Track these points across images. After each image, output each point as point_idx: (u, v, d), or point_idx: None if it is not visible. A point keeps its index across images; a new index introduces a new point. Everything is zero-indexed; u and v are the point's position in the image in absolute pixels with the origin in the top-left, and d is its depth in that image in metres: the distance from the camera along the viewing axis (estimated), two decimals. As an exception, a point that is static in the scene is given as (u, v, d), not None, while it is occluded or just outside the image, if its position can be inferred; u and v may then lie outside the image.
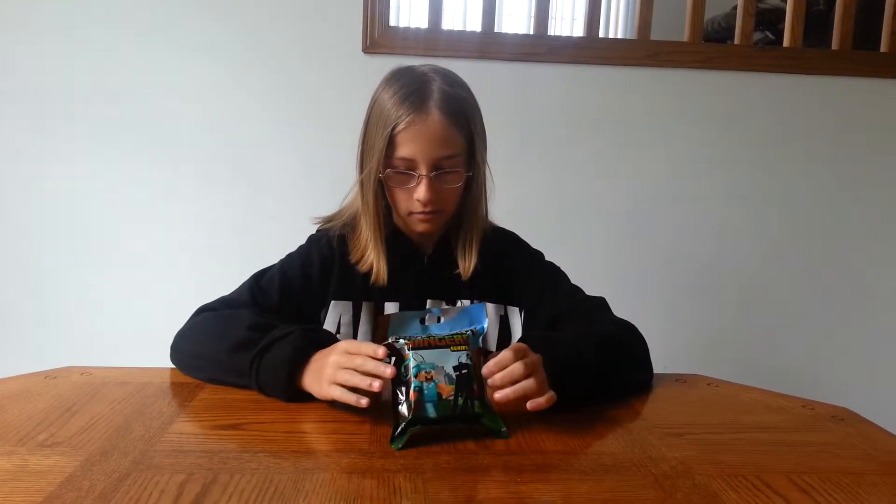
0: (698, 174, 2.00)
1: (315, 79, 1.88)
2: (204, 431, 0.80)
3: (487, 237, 1.11)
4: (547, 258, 1.18)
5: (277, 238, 1.83)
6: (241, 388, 0.92)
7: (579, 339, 0.93)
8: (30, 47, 1.83)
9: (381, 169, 1.03)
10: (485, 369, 0.80)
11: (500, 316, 1.14)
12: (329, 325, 1.10)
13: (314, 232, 1.17)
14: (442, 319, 0.88)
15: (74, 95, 1.85)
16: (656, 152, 1.99)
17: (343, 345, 0.85)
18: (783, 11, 2.06)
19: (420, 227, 1.07)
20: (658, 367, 1.06)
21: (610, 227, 1.99)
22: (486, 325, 0.86)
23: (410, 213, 1.06)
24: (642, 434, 0.82)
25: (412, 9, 3.36)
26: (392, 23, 1.89)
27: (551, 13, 2.01)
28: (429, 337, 0.81)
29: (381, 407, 0.86)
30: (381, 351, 0.81)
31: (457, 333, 0.82)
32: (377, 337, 0.86)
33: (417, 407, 0.77)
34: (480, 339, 0.85)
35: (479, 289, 1.11)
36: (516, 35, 1.95)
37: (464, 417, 0.79)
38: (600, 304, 1.10)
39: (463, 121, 1.04)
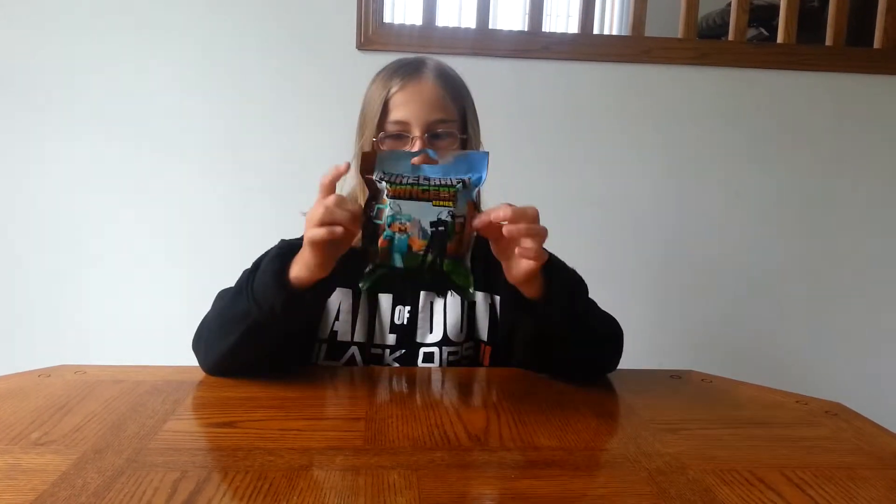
0: (693, 170, 2.01)
1: (309, 76, 1.88)
2: (198, 429, 0.80)
3: None
4: None
5: (272, 235, 1.83)
6: (253, 335, 0.91)
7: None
8: (25, 45, 1.82)
9: (376, 134, 1.04)
10: (500, 210, 0.79)
11: (489, 304, 1.12)
12: (329, 311, 1.09)
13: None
14: (438, 162, 0.84)
15: (68, 93, 1.84)
16: (651, 149, 1.99)
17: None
18: (777, 8, 2.06)
19: None
20: (653, 362, 1.06)
21: (605, 223, 2.00)
22: (484, 176, 0.81)
23: None
24: (636, 429, 0.82)
25: (407, 5, 3.36)
26: (386, 19, 1.89)
27: (546, 10, 2.01)
28: (414, 185, 0.77)
29: (372, 405, 0.86)
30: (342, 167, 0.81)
31: (445, 186, 0.78)
32: (361, 169, 0.82)
33: (384, 255, 0.77)
34: (476, 191, 0.81)
35: (479, 283, 1.11)
36: (511, 32, 1.95)
37: (431, 273, 0.77)
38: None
39: (456, 92, 1.06)
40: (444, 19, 2.02)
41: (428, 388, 0.98)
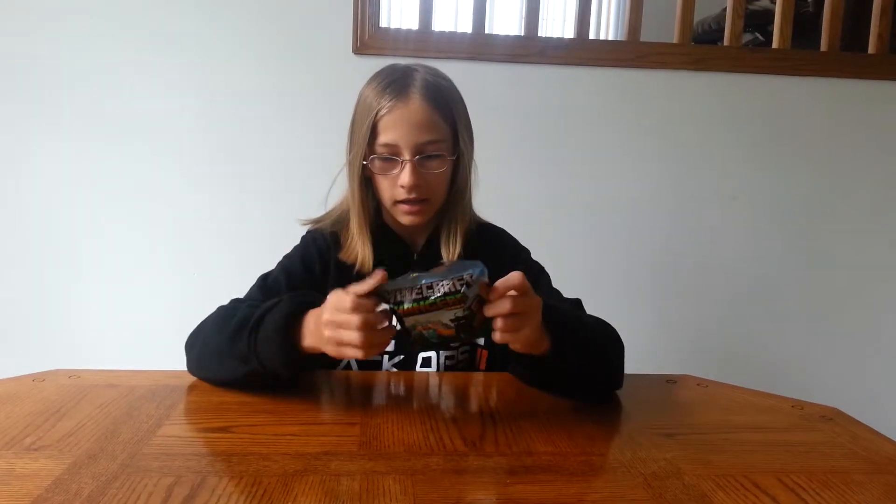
0: (689, 175, 2.01)
1: (305, 80, 1.88)
2: (192, 434, 0.80)
3: (472, 230, 1.11)
4: (536, 258, 1.18)
5: (268, 239, 1.84)
6: (252, 379, 0.90)
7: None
8: (23, 47, 1.82)
9: (366, 156, 1.03)
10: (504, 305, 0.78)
11: None
12: None
13: (305, 233, 1.17)
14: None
15: (67, 96, 1.84)
16: (647, 153, 1.99)
17: (332, 300, 0.82)
18: (772, 13, 2.07)
19: (406, 219, 1.06)
20: (648, 367, 1.06)
21: (601, 227, 2.00)
22: (483, 268, 0.79)
23: (395, 203, 1.05)
24: (632, 435, 0.82)
25: (403, 10, 3.36)
26: (383, 24, 1.89)
27: (542, 14, 2.01)
28: (420, 301, 0.78)
29: (367, 409, 0.86)
30: (356, 300, 0.79)
31: (451, 294, 0.77)
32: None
33: (419, 340, 0.81)
34: (483, 274, 0.79)
35: None
36: (507, 36, 1.95)
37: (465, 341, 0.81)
38: (575, 303, 1.09)
39: (445, 108, 1.04)
40: (441, 24, 2.01)
41: (423, 393, 0.98)
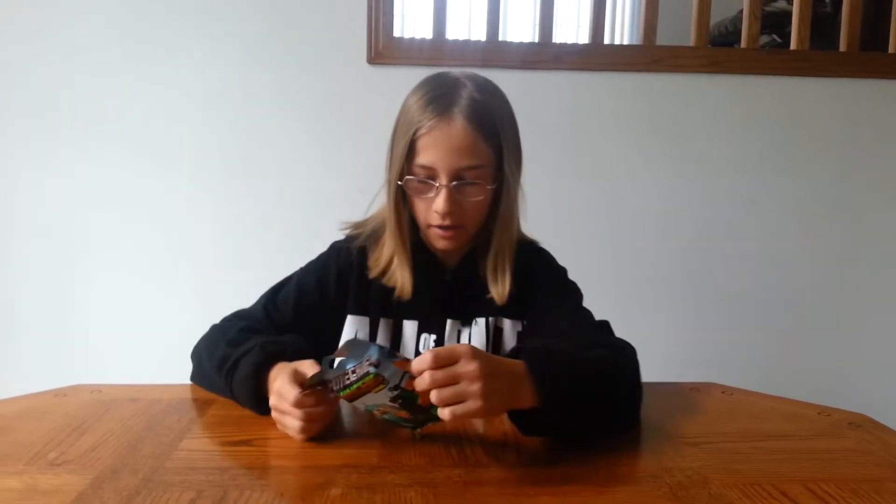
0: (708, 179, 1.99)
1: (320, 89, 1.88)
2: (214, 448, 0.80)
3: (517, 254, 1.06)
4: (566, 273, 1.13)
5: (281, 248, 1.86)
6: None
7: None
8: (31, 51, 1.84)
9: (402, 175, 0.98)
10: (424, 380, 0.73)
11: (518, 332, 1.08)
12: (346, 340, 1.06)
13: (338, 239, 1.12)
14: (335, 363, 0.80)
15: (72, 108, 1.86)
16: (665, 158, 1.98)
17: (276, 387, 0.82)
18: (789, 14, 2.05)
19: (439, 244, 1.02)
20: (670, 374, 1.05)
21: (619, 234, 1.98)
22: (377, 347, 0.76)
23: (429, 227, 1.01)
24: (657, 444, 0.81)
25: (417, 19, 3.37)
26: (396, 33, 1.89)
27: (556, 20, 2.01)
28: (347, 388, 0.75)
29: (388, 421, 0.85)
30: (297, 398, 0.78)
31: (364, 377, 0.74)
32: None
33: (391, 423, 0.81)
34: (383, 354, 0.75)
35: (504, 307, 1.05)
36: (521, 43, 1.95)
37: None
38: (601, 326, 1.03)
39: (491, 131, 0.97)
40: (454, 32, 2.02)
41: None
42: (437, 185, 0.96)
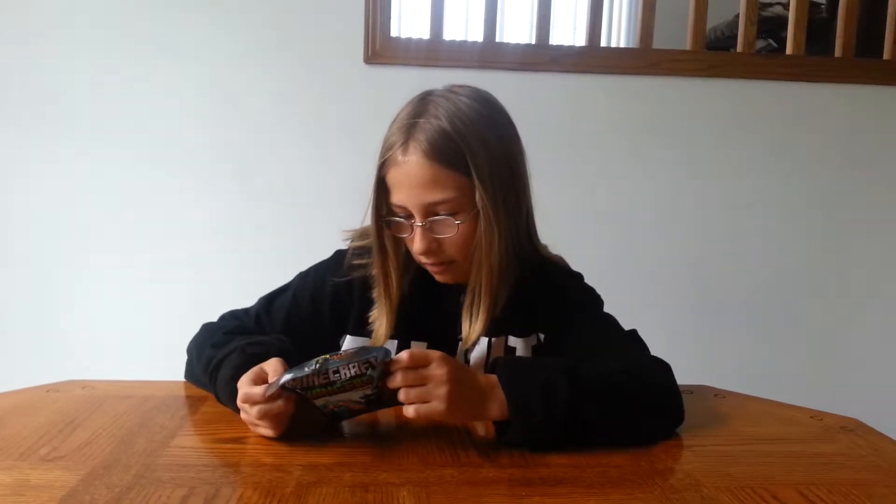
0: (702, 183, 2.00)
1: (316, 89, 1.88)
2: (206, 445, 0.80)
3: (526, 276, 1.01)
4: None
5: (277, 249, 1.86)
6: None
7: (558, 371, 0.81)
8: (32, 51, 1.83)
9: (381, 213, 0.94)
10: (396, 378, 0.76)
11: (533, 346, 1.05)
12: None
13: (342, 248, 1.06)
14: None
15: (69, 109, 1.85)
16: (660, 161, 1.98)
17: (242, 390, 0.81)
18: (785, 19, 2.06)
19: (437, 278, 0.98)
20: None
21: (613, 236, 1.99)
22: (387, 350, 0.77)
23: (422, 262, 0.96)
24: (649, 446, 0.81)
25: (414, 19, 3.37)
26: (393, 33, 1.89)
27: (553, 22, 2.01)
28: (327, 387, 0.76)
29: (382, 420, 0.85)
30: (246, 394, 0.79)
31: (357, 377, 0.75)
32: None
33: (331, 416, 0.81)
34: (388, 356, 0.76)
35: (511, 325, 1.02)
36: (518, 45, 1.95)
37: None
38: (630, 336, 1.02)
39: (454, 160, 0.89)
40: (451, 33, 2.01)
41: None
42: (411, 223, 0.92)
